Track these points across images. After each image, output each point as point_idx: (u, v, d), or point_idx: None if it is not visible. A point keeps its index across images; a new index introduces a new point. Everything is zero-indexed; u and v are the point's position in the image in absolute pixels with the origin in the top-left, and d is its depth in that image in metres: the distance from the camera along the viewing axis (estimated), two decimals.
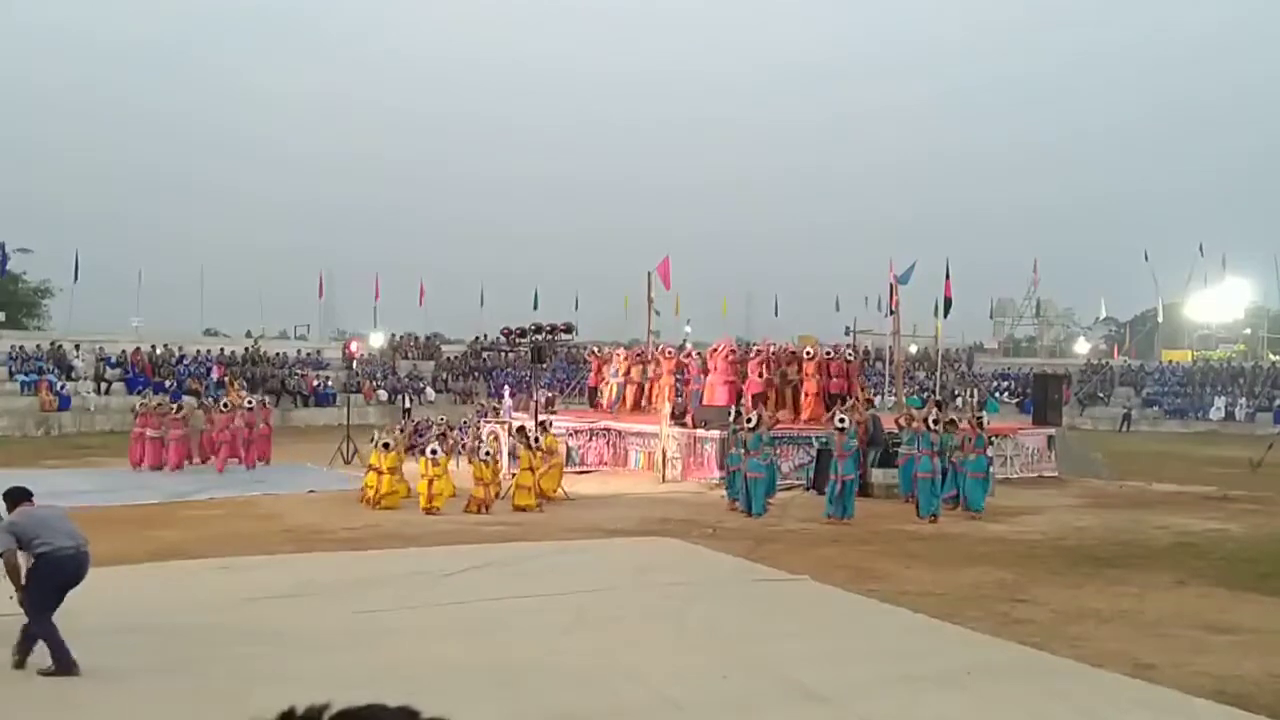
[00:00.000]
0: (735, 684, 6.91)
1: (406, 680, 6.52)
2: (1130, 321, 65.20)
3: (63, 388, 32.84)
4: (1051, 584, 10.44)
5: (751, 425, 15.94)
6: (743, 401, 20.01)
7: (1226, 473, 22.15)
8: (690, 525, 14.06)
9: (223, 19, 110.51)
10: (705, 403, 21.80)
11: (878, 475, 17.54)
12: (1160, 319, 54.57)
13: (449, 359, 45.36)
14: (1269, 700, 6.63)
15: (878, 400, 26.91)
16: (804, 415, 21.17)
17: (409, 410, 35.85)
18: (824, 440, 17.79)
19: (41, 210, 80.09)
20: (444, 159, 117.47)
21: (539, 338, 20.45)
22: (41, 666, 6.81)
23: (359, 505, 15.65)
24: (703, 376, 23.20)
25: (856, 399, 20.55)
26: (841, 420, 15.98)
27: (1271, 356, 51.24)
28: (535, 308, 47.70)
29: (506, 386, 30.81)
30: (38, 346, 35.44)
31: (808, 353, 22.34)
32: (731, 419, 17.18)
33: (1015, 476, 20.42)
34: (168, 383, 34.35)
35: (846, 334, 36.68)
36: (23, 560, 6.83)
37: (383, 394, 39.21)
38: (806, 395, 21.56)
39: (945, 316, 34.02)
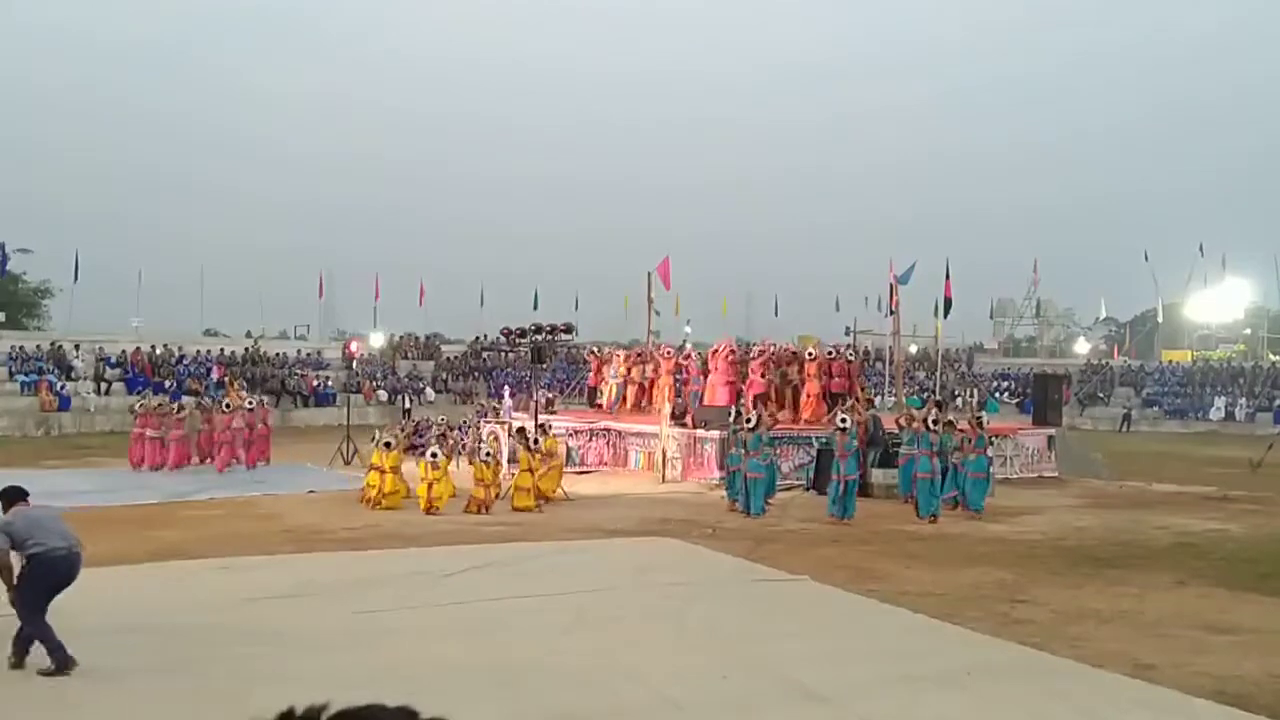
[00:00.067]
0: (735, 684, 6.91)
1: (406, 680, 6.52)
2: (1130, 321, 65.21)
3: (63, 388, 32.84)
4: (1051, 584, 10.44)
5: (751, 425, 15.94)
6: (742, 401, 20.01)
7: (1226, 473, 22.15)
8: (690, 525, 14.06)
9: (223, 19, 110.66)
10: (706, 403, 21.81)
11: (878, 475, 17.54)
12: (1160, 319, 54.57)
13: (449, 359, 45.37)
14: (1269, 700, 6.63)
15: (878, 400, 26.90)
16: (805, 415, 21.18)
17: (409, 410, 35.88)
18: (824, 440, 17.80)
19: (41, 210, 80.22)
20: (444, 159, 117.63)
21: (539, 338, 20.45)
22: (41, 666, 6.81)
23: (359, 505, 15.65)
24: (701, 378, 23.22)
25: (857, 399, 20.56)
26: (843, 420, 15.99)
27: (1271, 356, 51.24)
28: (535, 308, 47.79)
29: (506, 387, 30.82)
30: (38, 347, 35.45)
31: (809, 353, 22.35)
32: (731, 419, 17.19)
33: (1015, 477, 20.41)
34: (168, 383, 34.37)
35: (846, 334, 36.72)
36: (15, 560, 6.84)
37: (383, 394, 39.22)
38: (808, 395, 21.57)
39: (945, 316, 34.04)
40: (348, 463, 21.53)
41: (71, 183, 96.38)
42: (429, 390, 41.04)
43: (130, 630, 8.02)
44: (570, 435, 21.40)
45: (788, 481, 18.33)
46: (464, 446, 19.92)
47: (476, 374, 43.55)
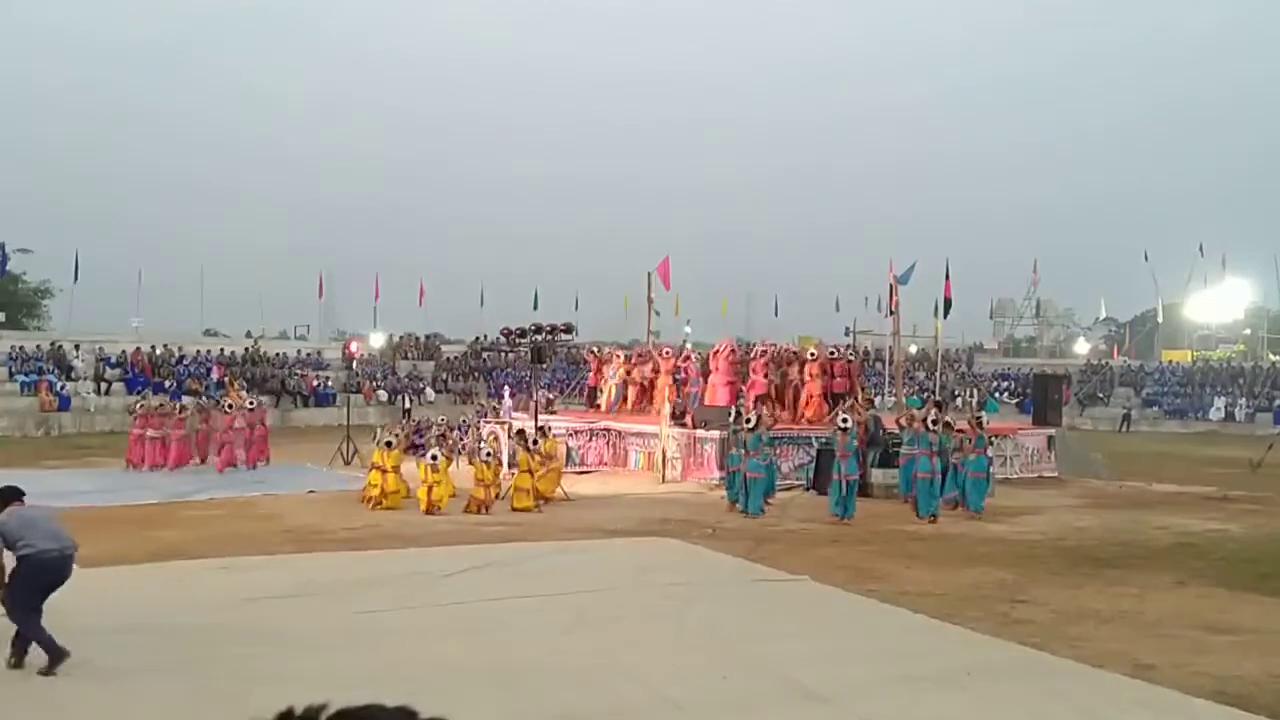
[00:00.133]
0: (735, 684, 6.91)
1: (406, 680, 6.52)
2: (1130, 322, 65.21)
3: (63, 388, 32.84)
4: (1051, 584, 10.44)
5: (751, 425, 15.94)
6: (742, 402, 20.02)
7: (1226, 473, 22.15)
8: (690, 525, 14.06)
9: (223, 19, 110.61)
10: (707, 403, 21.83)
11: (878, 475, 17.54)
12: (1160, 319, 54.57)
13: (449, 359, 45.37)
14: (1269, 700, 6.63)
15: (878, 400, 26.90)
16: (808, 415, 21.18)
17: (409, 410, 35.88)
18: (824, 440, 17.80)
19: (41, 210, 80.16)
20: (444, 159, 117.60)
21: (539, 338, 20.46)
22: (40, 666, 6.82)
23: (359, 505, 15.64)
24: (701, 380, 23.25)
25: (856, 399, 20.57)
26: (844, 420, 15.99)
27: (1271, 357, 51.25)
28: (535, 308, 47.76)
29: (506, 387, 30.84)
30: (38, 347, 35.44)
31: (810, 353, 22.36)
32: (731, 419, 17.19)
33: (1015, 477, 20.41)
34: (168, 383, 34.37)
35: (846, 334, 36.74)
36: (8, 560, 6.86)
37: (383, 394, 39.22)
38: (810, 395, 21.58)
39: (945, 317, 34.04)
40: (348, 463, 21.53)
41: (71, 183, 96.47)
42: (429, 390, 41.04)
43: (130, 630, 8.02)
44: (570, 435, 21.41)
45: (788, 481, 18.33)
46: (464, 447, 19.93)
47: (476, 374, 43.55)
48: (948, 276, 33.17)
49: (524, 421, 20.49)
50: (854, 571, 10.98)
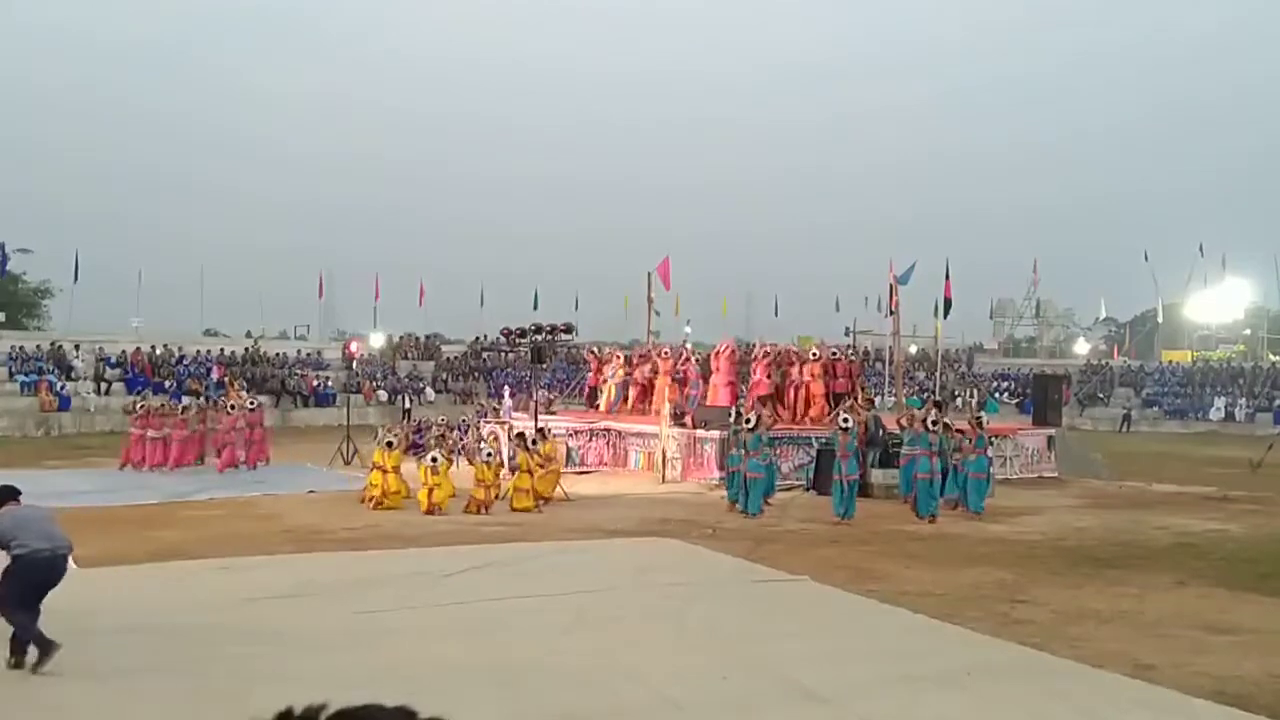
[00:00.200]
0: (735, 684, 6.91)
1: (406, 680, 6.52)
2: (1130, 322, 65.20)
3: (63, 388, 32.84)
4: (1051, 584, 10.44)
5: (751, 425, 15.95)
6: (743, 402, 20.03)
7: (1226, 473, 22.15)
8: (690, 526, 14.06)
9: (223, 19, 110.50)
10: (709, 403, 21.85)
11: (878, 475, 17.54)
12: (1160, 319, 54.58)
13: (449, 359, 45.37)
14: (1269, 700, 6.63)
15: (877, 400, 26.91)
16: (812, 414, 21.17)
17: (409, 410, 35.88)
18: (824, 441, 17.80)
19: (41, 210, 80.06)
20: (444, 159, 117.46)
21: (539, 338, 20.47)
22: (40, 665, 6.83)
23: (359, 505, 15.64)
24: (700, 382, 23.28)
25: (856, 399, 20.58)
26: (845, 420, 16.00)
27: (1271, 357, 51.25)
28: (535, 308, 47.73)
29: (506, 387, 30.87)
30: (38, 347, 35.45)
31: (813, 353, 22.37)
32: (731, 419, 17.19)
33: (1015, 477, 20.41)
34: (168, 383, 34.38)
35: (846, 334, 36.78)
36: (1, 559, 6.89)
37: (383, 394, 39.22)
38: (813, 396, 21.59)
39: (945, 317, 34.06)
40: (348, 463, 21.53)
41: (71, 183, 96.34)
42: (429, 390, 41.05)
43: (130, 630, 8.02)
44: (570, 435, 21.42)
45: (788, 481, 18.34)
46: (464, 447, 19.93)
47: (476, 374, 43.55)
48: (948, 276, 33.22)
49: (524, 422, 20.50)
50: (854, 571, 10.98)
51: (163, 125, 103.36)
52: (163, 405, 22.73)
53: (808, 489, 18.15)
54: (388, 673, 6.77)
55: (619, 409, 24.11)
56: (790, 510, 15.95)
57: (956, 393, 40.88)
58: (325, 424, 33.14)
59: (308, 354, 41.65)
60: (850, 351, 24.96)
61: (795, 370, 22.08)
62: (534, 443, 16.77)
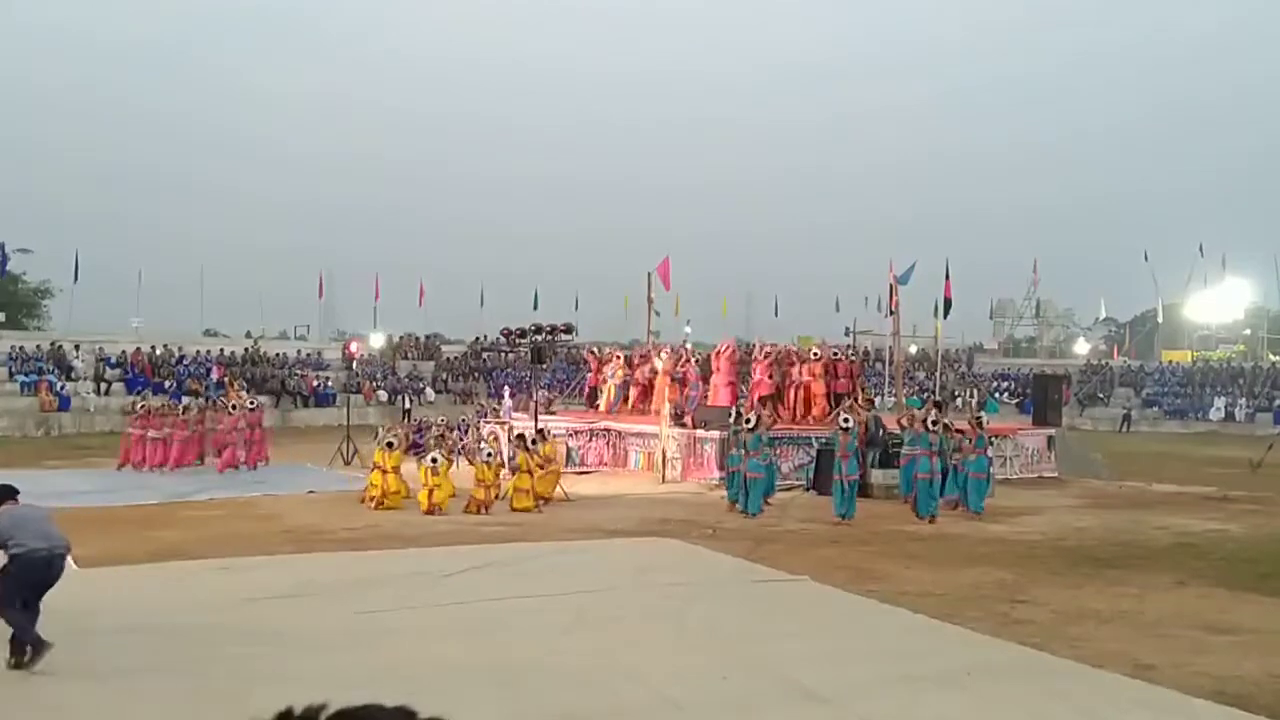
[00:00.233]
0: (735, 684, 6.91)
1: (406, 680, 6.52)
2: (1130, 322, 65.20)
3: (63, 388, 32.84)
4: (1051, 584, 10.44)
5: (751, 425, 15.95)
6: (743, 402, 20.03)
7: (1226, 473, 22.15)
8: (690, 526, 14.06)
9: (223, 19, 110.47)
10: (710, 403, 21.85)
11: (878, 475, 17.54)
12: (1160, 319, 54.58)
13: (449, 359, 45.37)
14: (1269, 700, 6.63)
15: (877, 401, 26.92)
16: (815, 414, 21.17)
17: (409, 411, 35.89)
18: (824, 440, 17.80)
19: (41, 210, 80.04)
20: (444, 159, 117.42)
21: (539, 338, 20.47)
22: (39, 666, 6.83)
23: (359, 506, 15.64)
24: (700, 384, 23.29)
25: (856, 399, 20.59)
26: (846, 420, 16.00)
27: (1271, 357, 51.25)
28: (535, 308, 47.73)
29: (506, 387, 30.86)
30: (38, 347, 35.45)
31: (814, 353, 22.38)
32: (731, 419, 17.19)
33: (1015, 477, 20.41)
34: (167, 383, 34.38)
35: (846, 334, 36.79)
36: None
37: (383, 394, 39.22)
38: (814, 396, 21.59)
39: (945, 317, 34.06)
40: (348, 463, 21.53)
41: (71, 183, 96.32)
42: (429, 390, 41.05)
43: (130, 630, 8.02)
44: (570, 435, 21.42)
45: (788, 481, 18.34)
46: (464, 447, 19.94)
47: (476, 374, 43.55)
48: (948, 276, 33.22)
49: (524, 422, 20.50)
50: (854, 571, 10.97)
51: (163, 125, 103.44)
52: (163, 405, 22.73)
53: (808, 489, 18.15)
54: (388, 673, 6.77)
55: (619, 409, 24.12)
56: (790, 510, 15.95)
57: (956, 393, 40.88)
58: (325, 424, 33.14)
59: (308, 354, 41.65)
60: (850, 351, 24.92)
61: (796, 370, 22.09)
62: (533, 443, 16.77)
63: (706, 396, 22.86)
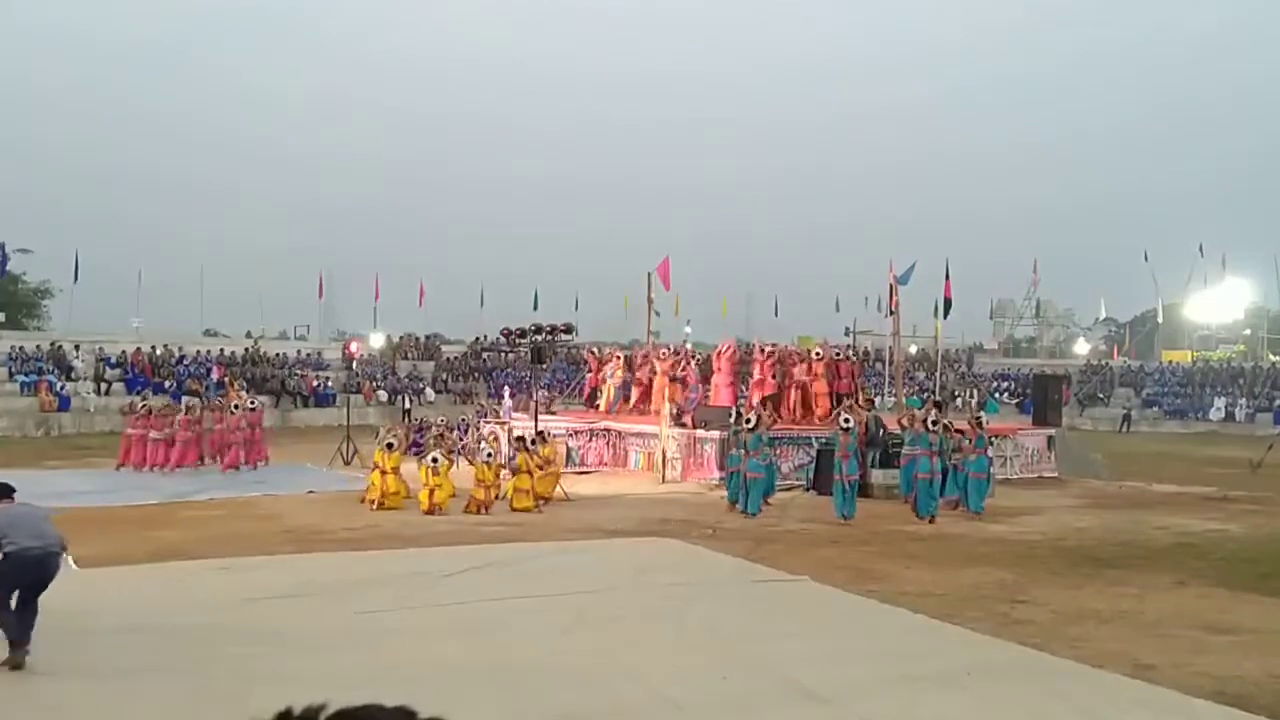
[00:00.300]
0: (735, 684, 6.91)
1: (406, 680, 6.52)
2: (1130, 322, 65.20)
3: (63, 388, 32.84)
4: (1051, 584, 10.43)
5: (751, 425, 15.95)
6: (743, 402, 20.03)
7: (1226, 473, 22.16)
8: (690, 526, 14.06)
9: (223, 19, 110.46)
10: (712, 403, 21.86)
11: (878, 475, 17.54)
12: (1160, 319, 54.57)
13: (449, 359, 45.36)
14: (1269, 700, 6.63)
15: (877, 401, 26.92)
16: (819, 414, 21.17)
17: (409, 411, 35.87)
18: (824, 441, 17.80)
19: (41, 210, 80.00)
20: (444, 159, 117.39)
21: (539, 338, 20.47)
22: (41, 667, 6.83)
23: (359, 506, 15.64)
24: (700, 386, 23.28)
25: (856, 399, 20.59)
26: (847, 421, 16.00)
27: (1271, 357, 51.25)
28: (535, 308, 47.72)
29: (506, 387, 30.85)
30: (38, 347, 35.44)
31: (816, 353, 22.38)
32: (731, 419, 17.20)
33: (1015, 477, 20.41)
34: (167, 383, 34.37)
35: (846, 334, 36.74)
36: None
37: (383, 394, 39.22)
38: (817, 395, 21.60)
39: (945, 317, 34.05)
40: (348, 463, 21.53)
41: (71, 183, 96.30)
42: (429, 390, 41.03)
43: (130, 630, 8.02)
44: (570, 436, 21.42)
45: (788, 482, 18.34)
46: (464, 447, 19.93)
47: (476, 374, 43.53)
48: (948, 276, 33.20)
49: (524, 423, 20.50)
50: (854, 572, 10.97)
51: (163, 125, 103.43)
52: (166, 406, 22.73)
53: (808, 489, 18.15)
54: (388, 673, 6.77)
55: (619, 409, 24.12)
56: (790, 510, 15.95)
57: (956, 393, 40.89)
58: (325, 424, 33.14)
59: (308, 354, 41.64)
60: (850, 351, 24.92)
61: (798, 370, 22.09)
62: (533, 443, 16.77)
63: (707, 397, 22.87)
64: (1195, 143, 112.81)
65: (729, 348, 23.72)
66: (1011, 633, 8.38)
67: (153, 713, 6.40)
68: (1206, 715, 6.41)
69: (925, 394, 32.03)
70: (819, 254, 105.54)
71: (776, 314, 54.30)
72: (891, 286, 28.49)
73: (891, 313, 29.01)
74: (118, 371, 35.10)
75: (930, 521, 14.71)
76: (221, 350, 39.04)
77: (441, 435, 19.73)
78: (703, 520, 14.55)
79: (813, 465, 18.41)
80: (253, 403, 22.80)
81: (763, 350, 23.01)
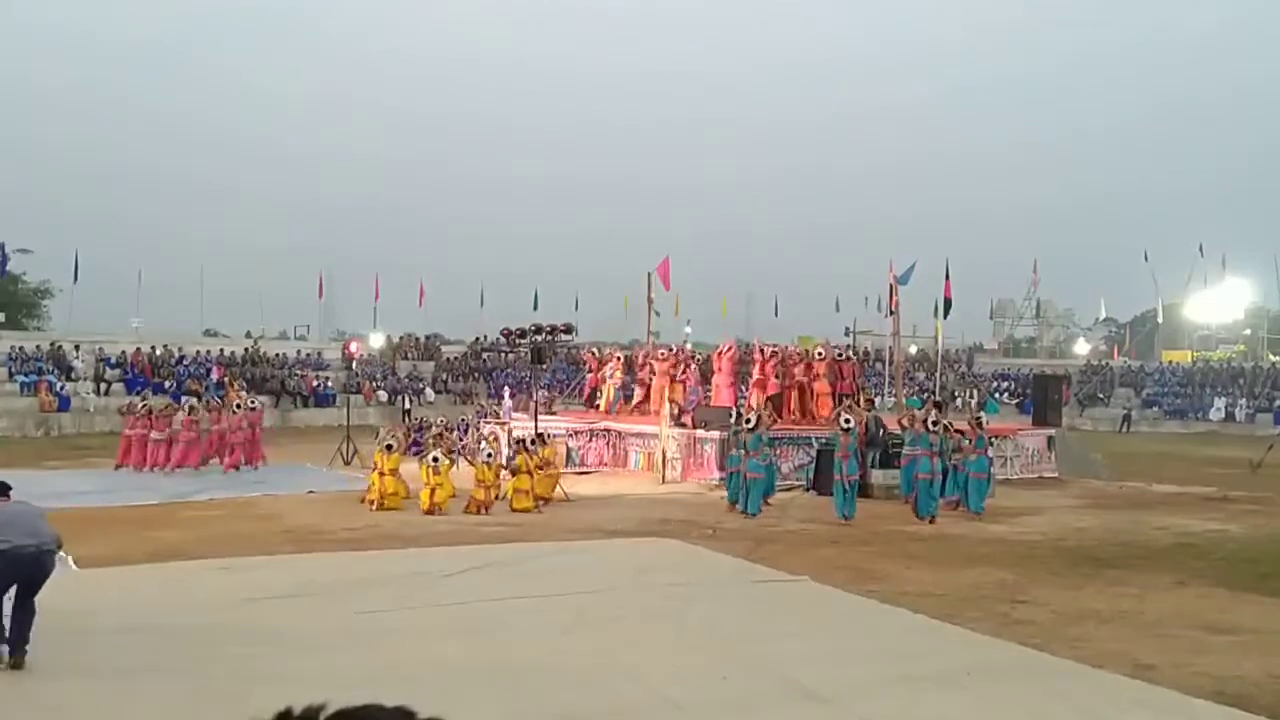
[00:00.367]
0: (735, 684, 6.91)
1: (406, 680, 6.52)
2: (1130, 322, 65.19)
3: (62, 388, 32.84)
4: (1051, 585, 10.43)
5: (751, 426, 15.95)
6: (743, 402, 20.03)
7: (1226, 473, 22.16)
8: (690, 526, 14.06)
9: (223, 19, 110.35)
10: (713, 403, 21.86)
11: (878, 476, 17.54)
12: (1160, 319, 54.57)
13: (449, 359, 45.35)
14: (1269, 700, 6.63)
15: (877, 401, 26.92)
16: (822, 414, 21.17)
17: (409, 411, 35.86)
18: (824, 441, 17.80)
19: (41, 210, 79.91)
20: (444, 159, 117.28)
21: (539, 338, 20.46)
22: (39, 666, 6.83)
23: (359, 506, 15.64)
24: (700, 388, 23.26)
25: (856, 399, 20.59)
26: (847, 421, 16.00)
27: (1271, 357, 51.24)
28: (535, 308, 47.70)
29: (506, 387, 30.83)
30: (37, 347, 35.45)
31: (818, 353, 22.38)
32: (732, 420, 17.19)
33: (1015, 477, 20.41)
34: (167, 383, 34.37)
35: (846, 334, 36.77)
36: None
37: (382, 395, 39.21)
38: (820, 396, 21.60)
39: (945, 317, 34.06)
40: (347, 463, 21.54)
41: (71, 183, 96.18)
42: (429, 391, 41.03)
43: (130, 630, 8.02)
44: (570, 436, 21.42)
45: (788, 482, 18.34)
46: (463, 447, 19.93)
47: (476, 374, 43.53)
48: (948, 276, 33.20)
49: (524, 424, 20.50)
50: (854, 572, 10.97)
51: (163, 125, 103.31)
52: (166, 406, 22.74)
53: (808, 489, 18.15)
54: (388, 673, 6.77)
55: (619, 409, 24.12)
56: (790, 510, 15.95)
57: (956, 393, 40.89)
58: (325, 424, 33.14)
59: (308, 354, 41.63)
60: (850, 351, 24.92)
61: (800, 370, 22.09)
62: (532, 443, 16.77)
63: (708, 397, 22.87)
64: (1195, 143, 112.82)
65: (729, 348, 23.73)
66: (1011, 633, 8.38)
67: (153, 713, 6.40)
68: (1206, 715, 6.41)
69: (925, 394, 32.03)
70: (819, 254, 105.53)
71: (776, 314, 54.35)
72: (891, 286, 28.49)
73: (891, 313, 29.02)
74: (118, 372, 35.10)
75: (930, 522, 14.71)
76: (221, 350, 39.04)
77: (441, 435, 19.72)
78: (703, 520, 14.55)
79: (813, 465, 18.41)
80: (253, 403, 22.81)
81: (764, 350, 23.01)
